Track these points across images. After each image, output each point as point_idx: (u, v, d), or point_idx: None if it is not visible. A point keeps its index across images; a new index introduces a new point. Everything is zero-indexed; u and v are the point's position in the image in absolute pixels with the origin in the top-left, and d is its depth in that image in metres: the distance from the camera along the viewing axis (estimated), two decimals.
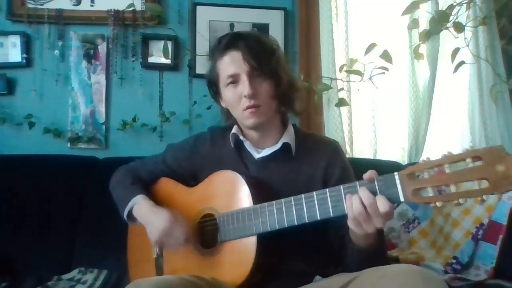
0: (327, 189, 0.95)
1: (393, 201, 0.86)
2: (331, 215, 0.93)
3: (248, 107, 1.11)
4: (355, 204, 0.88)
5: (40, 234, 1.60)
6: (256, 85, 1.11)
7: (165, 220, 1.10)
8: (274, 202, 1.01)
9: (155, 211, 1.14)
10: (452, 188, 0.78)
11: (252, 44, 1.13)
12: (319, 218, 0.95)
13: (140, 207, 1.17)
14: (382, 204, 0.86)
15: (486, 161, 0.76)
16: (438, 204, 0.80)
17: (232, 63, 1.13)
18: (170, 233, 1.09)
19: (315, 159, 1.17)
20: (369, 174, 0.90)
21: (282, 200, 1.00)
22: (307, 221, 0.96)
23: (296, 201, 0.98)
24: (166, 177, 1.28)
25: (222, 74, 1.16)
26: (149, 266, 1.19)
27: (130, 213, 1.19)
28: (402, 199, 0.85)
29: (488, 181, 0.76)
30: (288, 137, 1.18)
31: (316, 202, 0.95)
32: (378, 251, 1.00)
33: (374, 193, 0.88)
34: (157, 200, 1.20)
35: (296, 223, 0.98)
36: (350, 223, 0.91)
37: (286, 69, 1.20)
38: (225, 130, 1.24)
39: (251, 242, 1.03)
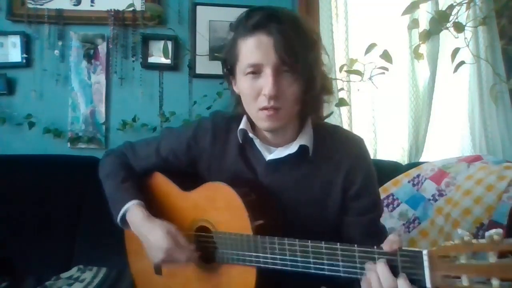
0: (338, 245, 0.83)
1: (416, 284, 0.74)
2: (341, 275, 0.83)
3: (265, 108, 0.93)
4: (371, 282, 0.76)
5: (40, 234, 1.60)
6: (281, 85, 0.91)
7: (163, 245, 0.98)
8: (276, 240, 0.90)
9: (151, 226, 1.01)
10: (495, 283, 0.64)
11: (289, 31, 0.90)
12: (326, 273, 0.85)
13: (134, 217, 1.06)
14: None
15: None
16: None
17: (257, 50, 0.91)
18: (171, 257, 0.99)
19: (335, 161, 1.01)
20: (390, 244, 0.76)
21: (286, 240, 0.89)
22: (312, 272, 0.86)
23: (301, 246, 0.87)
24: (160, 169, 1.17)
25: (242, 59, 0.95)
26: (147, 260, 1.15)
27: (123, 217, 1.09)
28: (428, 285, 0.72)
29: None
30: (306, 136, 1.01)
31: (324, 255, 0.84)
32: None
33: (394, 269, 0.75)
34: (149, 200, 1.10)
35: (299, 269, 0.88)
36: None
37: (322, 68, 0.99)
38: (231, 121, 1.08)
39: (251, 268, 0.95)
